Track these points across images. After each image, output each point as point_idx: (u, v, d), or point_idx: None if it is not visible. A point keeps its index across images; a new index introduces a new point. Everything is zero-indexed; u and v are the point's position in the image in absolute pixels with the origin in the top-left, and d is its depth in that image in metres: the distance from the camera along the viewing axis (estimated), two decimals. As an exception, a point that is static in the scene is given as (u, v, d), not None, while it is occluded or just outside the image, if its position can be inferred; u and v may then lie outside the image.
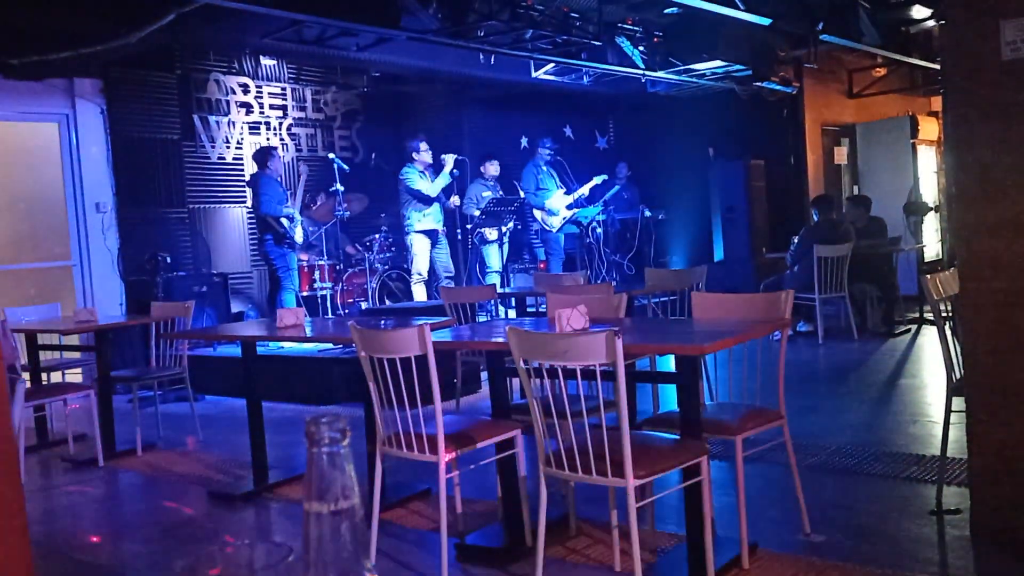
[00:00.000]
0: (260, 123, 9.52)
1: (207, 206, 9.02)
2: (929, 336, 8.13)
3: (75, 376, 7.00)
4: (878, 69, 11.99)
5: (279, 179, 8.28)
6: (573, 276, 7.44)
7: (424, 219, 8.89)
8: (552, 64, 9.52)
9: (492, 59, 8.93)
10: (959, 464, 3.97)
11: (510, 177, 10.14)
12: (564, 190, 10.13)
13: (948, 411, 3.59)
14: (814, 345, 8.10)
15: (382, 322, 4.57)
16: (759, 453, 3.87)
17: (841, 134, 12.17)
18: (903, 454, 4.49)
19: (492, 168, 9.59)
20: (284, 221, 8.04)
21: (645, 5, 8.00)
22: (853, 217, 9.01)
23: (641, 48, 9.35)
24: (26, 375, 5.84)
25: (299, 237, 8.25)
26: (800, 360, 7.46)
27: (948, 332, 3.54)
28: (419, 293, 8.97)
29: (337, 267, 8.71)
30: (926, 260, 11.29)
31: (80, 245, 8.14)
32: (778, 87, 10.62)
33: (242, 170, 9.22)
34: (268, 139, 9.50)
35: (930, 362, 7.01)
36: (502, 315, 8.07)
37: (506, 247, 9.38)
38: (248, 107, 9.41)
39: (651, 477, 2.85)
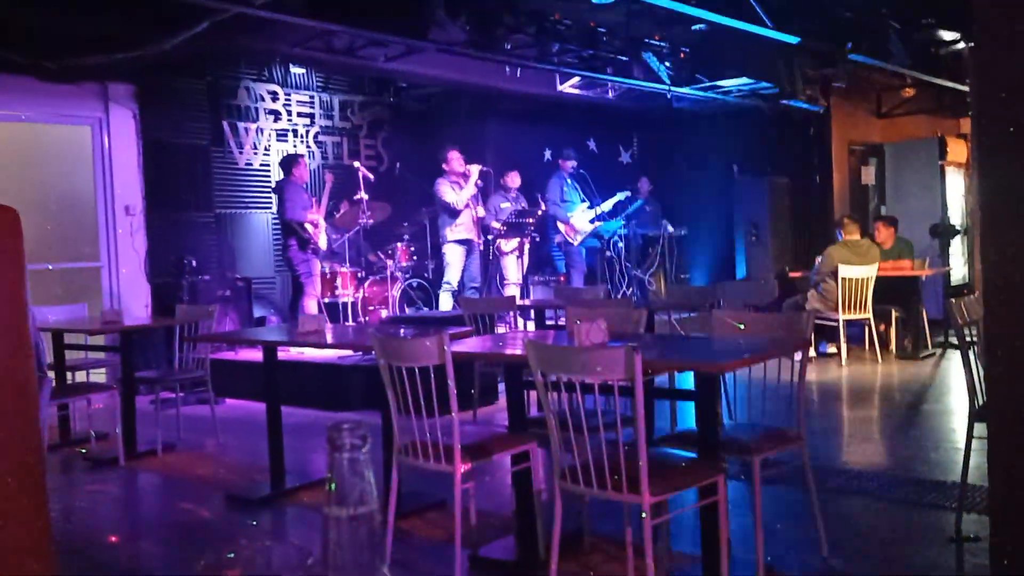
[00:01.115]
0: (288, 130, 9.61)
1: (234, 211, 9.11)
2: (954, 361, 8.05)
3: (99, 376, 7.08)
4: (907, 90, 11.91)
5: (304, 186, 8.36)
6: (593, 290, 7.44)
7: (457, 229, 8.94)
8: (578, 78, 9.55)
9: (518, 72, 8.97)
10: (980, 491, 3.92)
11: (533, 189, 10.16)
12: (587, 204, 10.13)
13: (970, 437, 3.56)
14: (836, 366, 8.04)
15: (402, 330, 4.60)
16: (777, 474, 3.84)
17: (868, 154, 12.09)
18: (924, 480, 4.45)
19: (513, 179, 9.62)
20: (308, 227, 8.10)
21: (672, 21, 7.99)
22: (879, 238, 8.93)
23: (667, 63, 9.35)
24: (51, 374, 5.92)
25: (323, 243, 8.31)
26: (822, 381, 7.41)
27: (972, 357, 3.51)
28: (446, 303, 9.01)
29: (359, 275, 8.76)
30: (952, 283, 11.17)
31: (108, 247, 8.24)
32: (805, 106, 10.57)
33: (269, 176, 9.31)
34: (295, 146, 9.59)
35: (954, 387, 6.93)
36: (521, 327, 8.08)
37: (526, 259, 9.39)
38: (276, 114, 9.51)
39: (667, 495, 2.84)
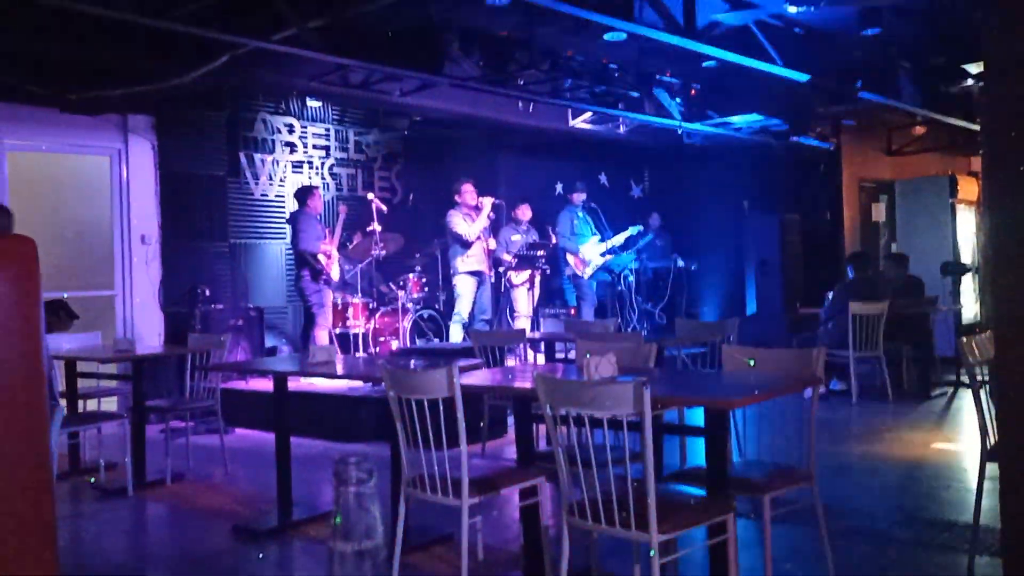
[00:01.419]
0: (303, 162, 9.71)
1: (248, 241, 9.19)
2: (966, 400, 7.99)
3: (110, 404, 7.10)
4: (917, 128, 11.95)
5: (318, 217, 8.43)
6: (603, 323, 7.43)
7: (468, 260, 8.98)
8: (590, 113, 9.62)
9: (531, 106, 9.05)
10: (992, 533, 3.88)
11: (544, 222, 10.21)
12: (598, 237, 10.17)
13: (982, 478, 3.53)
14: (847, 404, 7.98)
15: (412, 362, 4.62)
16: (787, 513, 3.81)
17: (879, 191, 12.11)
18: (935, 520, 4.41)
19: (524, 212, 9.67)
20: (321, 258, 8.15)
21: (683, 58, 8.07)
22: (890, 275, 8.92)
23: (678, 100, 9.43)
24: (63, 402, 5.95)
25: (335, 274, 8.35)
26: (832, 419, 7.36)
27: (984, 397, 3.49)
28: (456, 335, 9.01)
29: (370, 306, 8.79)
30: (964, 322, 11.12)
31: (123, 275, 8.31)
32: (815, 143, 10.62)
33: (283, 207, 9.39)
34: (310, 178, 9.69)
35: (966, 426, 6.88)
36: (531, 360, 8.08)
37: (536, 291, 9.41)
38: (292, 146, 9.62)
39: (676, 532, 2.83)
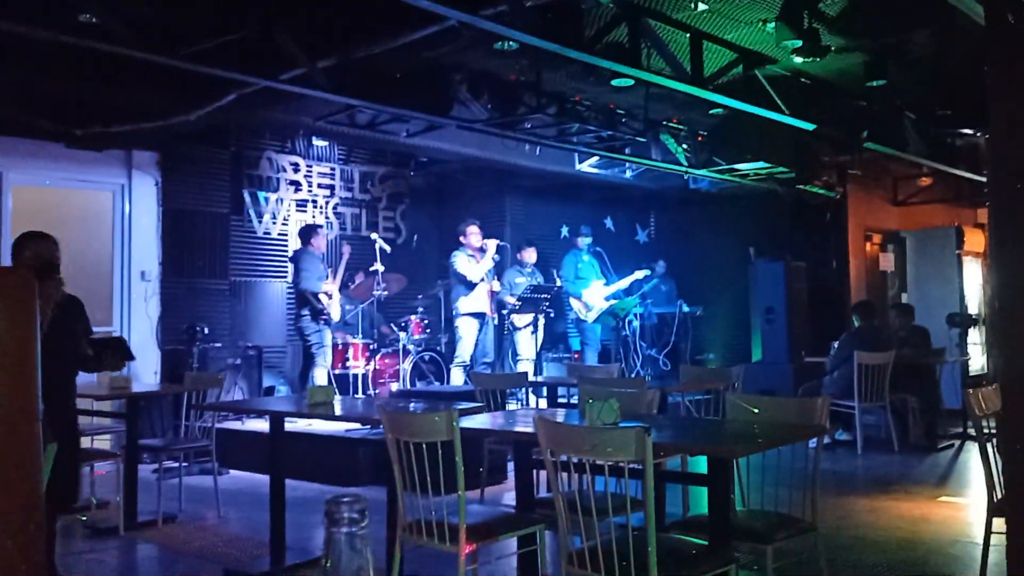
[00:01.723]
0: (307, 201, 9.73)
1: (249, 279, 9.17)
2: (972, 453, 7.87)
3: (104, 442, 7.02)
4: (923, 179, 11.97)
5: (321, 256, 8.42)
6: (607, 368, 7.37)
7: (470, 301, 8.93)
8: (596, 157, 9.65)
9: (538, 150, 9.08)
10: (1002, 590, 3.78)
11: (549, 265, 10.19)
12: (603, 281, 10.14)
13: (988, 532, 3.45)
14: (852, 455, 7.88)
15: (411, 404, 4.55)
16: (790, 565, 3.72)
17: (886, 241, 12.10)
18: (941, 575, 4.30)
19: (530, 255, 9.66)
20: (323, 297, 8.12)
21: (690, 105, 8.11)
22: (896, 325, 8.86)
23: (685, 146, 9.46)
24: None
25: (336, 314, 8.31)
26: (837, 470, 7.25)
27: (991, 450, 3.42)
28: (457, 377, 8.93)
29: (371, 347, 8.73)
30: (971, 373, 11.03)
31: (122, 312, 8.28)
32: (821, 191, 10.63)
33: (286, 245, 9.39)
34: (314, 217, 9.69)
35: (973, 480, 6.77)
36: (533, 404, 8.00)
37: (540, 335, 9.35)
38: (297, 185, 9.64)
39: (676, 584, 2.74)
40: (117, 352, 4.50)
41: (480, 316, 9.03)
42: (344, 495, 0.88)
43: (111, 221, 8.38)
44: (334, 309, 8.28)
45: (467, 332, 8.95)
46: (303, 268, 8.14)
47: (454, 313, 9.03)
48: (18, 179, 7.76)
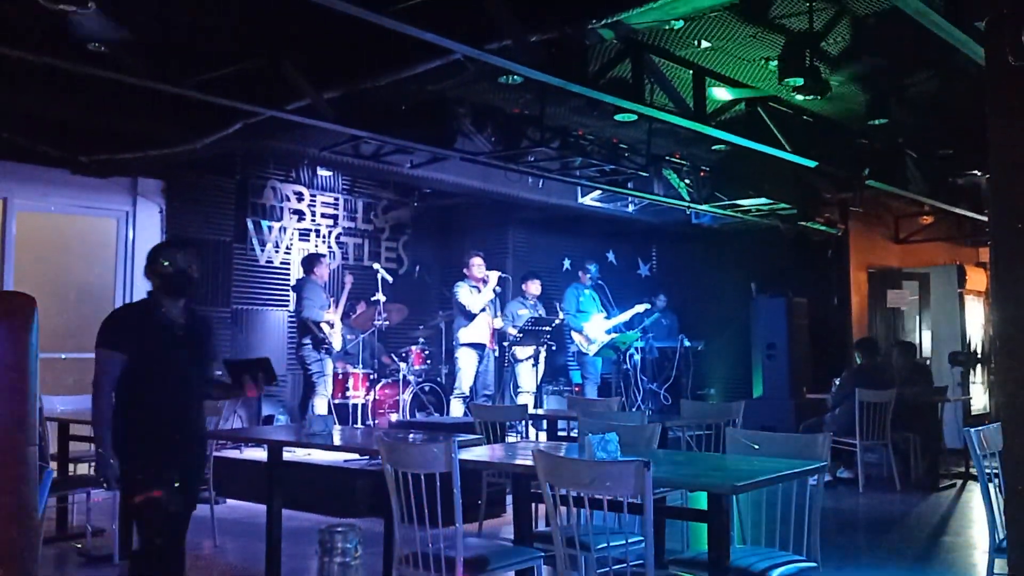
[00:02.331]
0: (311, 230, 9.76)
1: (251, 307, 9.17)
2: (975, 492, 7.81)
3: (101, 468, 6.97)
4: (925, 217, 12.00)
5: (324, 285, 8.42)
6: (607, 402, 7.34)
7: (471, 332, 8.91)
8: (599, 191, 9.69)
9: (540, 183, 9.12)
10: (1005, 634, 3.73)
11: (551, 298, 10.19)
12: (604, 314, 10.13)
13: (990, 573, 3.41)
14: (854, 493, 7.82)
15: (410, 435, 4.53)
16: (791, 604, 3.68)
17: (888, 278, 12.09)
18: (945, 617, 4.25)
19: (533, 287, 9.66)
20: (324, 326, 8.12)
21: (693, 140, 8.16)
22: (898, 363, 8.84)
23: (687, 181, 9.50)
24: (53, 464, 5.85)
25: (337, 344, 8.30)
26: (838, 508, 7.19)
27: (993, 490, 3.39)
28: (457, 409, 8.89)
29: (371, 376, 8.71)
30: (973, 412, 10.97)
31: (123, 338, 8.25)
32: (823, 227, 10.66)
33: (288, 274, 9.40)
34: (317, 246, 9.72)
35: (975, 520, 6.71)
36: (533, 436, 7.96)
37: (541, 367, 9.33)
38: (300, 214, 9.68)
39: (674, 622, 2.71)
40: (267, 374, 3.93)
41: (480, 347, 9.01)
42: (339, 525, 0.87)
43: (115, 248, 8.40)
44: (335, 338, 8.27)
45: (466, 363, 8.93)
46: (305, 297, 8.15)
47: (455, 344, 9.02)
48: (23, 204, 7.79)
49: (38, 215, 8.08)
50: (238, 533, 6.14)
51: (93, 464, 6.58)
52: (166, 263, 3.78)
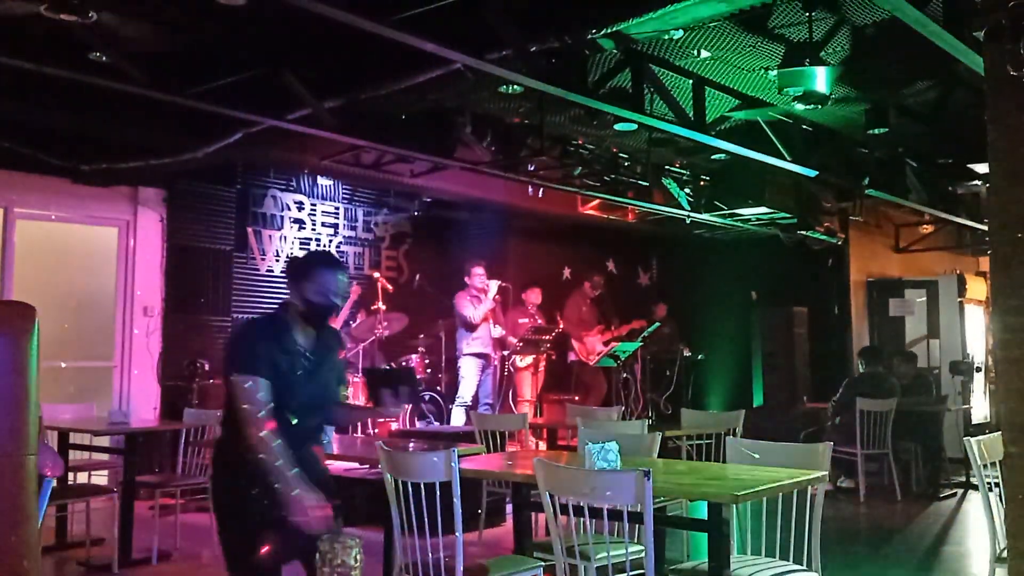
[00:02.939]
0: (311, 239, 9.76)
1: (251, 316, 9.16)
2: (975, 501, 7.80)
3: (101, 478, 6.97)
4: (925, 226, 12.01)
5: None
6: (608, 411, 7.34)
7: (474, 343, 8.92)
8: (599, 200, 9.70)
9: (540, 192, 9.13)
10: (1006, 643, 3.72)
11: (552, 307, 10.18)
12: (604, 325, 10.13)
13: (993, 584, 3.40)
14: (855, 502, 7.80)
15: (411, 444, 4.53)
16: (791, 614, 3.67)
17: (888, 287, 12.10)
18: (946, 627, 4.24)
19: (533, 296, 9.66)
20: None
21: (693, 150, 8.18)
22: (899, 372, 8.84)
23: (687, 190, 9.51)
24: (53, 472, 5.83)
25: (337, 352, 8.28)
26: (839, 517, 7.18)
27: (993, 499, 3.39)
28: (458, 418, 8.88)
29: (372, 385, 8.68)
30: (973, 422, 10.96)
31: (123, 347, 8.26)
32: (823, 237, 10.67)
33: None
34: (317, 255, 9.70)
35: (976, 529, 6.69)
36: (533, 446, 7.95)
37: (541, 376, 9.32)
38: (301, 223, 9.68)
39: (675, 632, 2.71)
40: (410, 387, 3.24)
41: (482, 357, 9.01)
42: (337, 533, 0.88)
43: (115, 256, 8.40)
44: (335, 347, 8.25)
45: (469, 372, 8.94)
46: (305, 305, 8.13)
47: (457, 353, 9.02)
48: (24, 213, 7.80)
49: (39, 224, 8.09)
50: (238, 542, 6.11)
51: (92, 472, 6.60)
52: (329, 288, 3.25)
